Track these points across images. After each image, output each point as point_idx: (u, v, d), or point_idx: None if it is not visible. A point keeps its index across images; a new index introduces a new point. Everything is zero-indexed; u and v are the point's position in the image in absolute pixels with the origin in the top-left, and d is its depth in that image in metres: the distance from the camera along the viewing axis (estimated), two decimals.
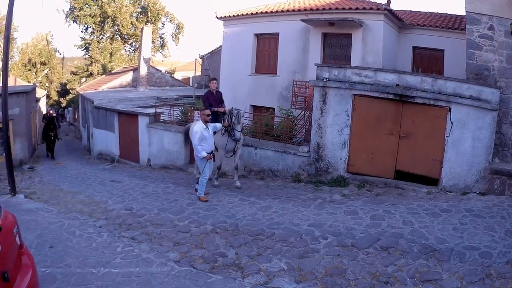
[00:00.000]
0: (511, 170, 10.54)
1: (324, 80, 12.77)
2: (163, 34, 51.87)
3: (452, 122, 10.87)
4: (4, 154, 13.53)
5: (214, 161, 11.42)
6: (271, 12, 20.32)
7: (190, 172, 15.74)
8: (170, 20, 50.61)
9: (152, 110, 19.39)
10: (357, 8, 17.63)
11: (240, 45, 21.59)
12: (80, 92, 33.35)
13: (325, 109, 12.76)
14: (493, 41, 11.93)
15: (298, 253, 7.22)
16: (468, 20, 12.34)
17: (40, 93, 39.15)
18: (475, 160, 10.72)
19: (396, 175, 11.95)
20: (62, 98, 56.04)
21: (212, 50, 33.99)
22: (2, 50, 13.55)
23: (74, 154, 26.98)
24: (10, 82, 26.86)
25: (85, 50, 49.32)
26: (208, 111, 11.49)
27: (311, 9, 18.91)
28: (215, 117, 12.51)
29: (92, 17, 45.85)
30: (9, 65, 15.85)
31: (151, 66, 34.35)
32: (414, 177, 11.69)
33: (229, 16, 21.92)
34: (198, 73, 33.16)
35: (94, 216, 10.39)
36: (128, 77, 33.46)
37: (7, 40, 12.82)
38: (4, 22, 19.01)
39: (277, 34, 20.49)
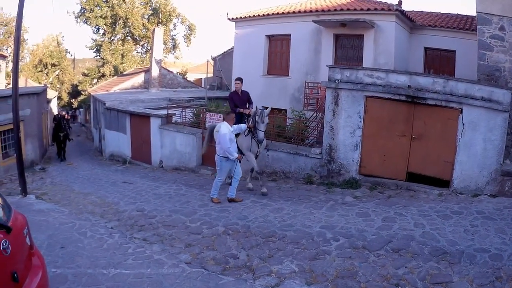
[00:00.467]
0: None
1: (336, 81, 12.78)
2: (174, 35, 52.10)
3: (463, 124, 10.83)
4: (15, 154, 13.69)
5: (240, 162, 11.12)
6: (283, 13, 20.44)
7: (202, 173, 15.83)
8: (182, 22, 50.72)
9: (164, 112, 19.49)
10: (368, 9, 17.67)
11: (252, 46, 21.70)
12: (92, 94, 33.52)
13: (337, 111, 12.77)
14: (504, 41, 11.93)
15: (310, 255, 7.22)
16: (479, 21, 12.33)
17: (52, 94, 39.45)
18: (486, 162, 10.66)
19: (407, 177, 11.93)
20: (74, 99, 56.36)
21: (224, 52, 34.11)
22: (13, 51, 13.67)
23: (85, 155, 27.12)
24: (21, 83, 27.21)
25: (96, 52, 49.58)
26: (233, 116, 11.34)
27: (323, 10, 18.97)
28: (240, 118, 12.36)
29: (103, 18, 46.09)
30: (19, 66, 16.01)
31: (163, 67, 34.45)
32: (425, 178, 11.66)
33: (241, 17, 22.04)
34: (210, 75, 33.24)
35: (106, 217, 10.46)
36: (140, 79, 33.64)
37: (18, 41, 12.91)
38: (14, 24, 19.19)
39: (289, 35, 20.59)
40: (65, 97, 57.64)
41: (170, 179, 15.27)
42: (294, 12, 20.03)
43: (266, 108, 11.99)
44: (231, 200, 10.99)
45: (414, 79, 11.73)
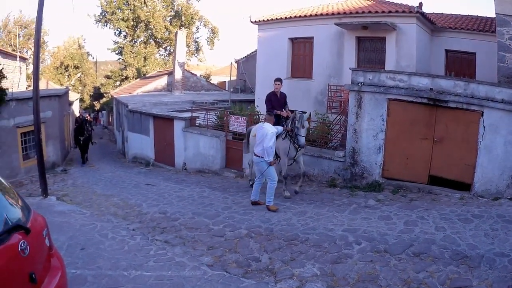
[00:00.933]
0: None
1: (359, 84, 12.82)
2: (197, 38, 52.31)
3: (484, 127, 10.79)
4: (36, 156, 13.95)
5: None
6: (305, 16, 20.55)
7: (226, 176, 15.98)
8: (205, 25, 50.95)
9: (187, 114, 19.73)
10: (389, 11, 17.70)
11: (275, 49, 21.85)
12: (115, 96, 33.90)
13: (360, 114, 12.84)
14: None
15: (332, 259, 7.27)
16: (498, 22, 12.28)
17: (74, 96, 39.88)
18: (507, 165, 10.59)
19: (429, 180, 11.93)
20: (96, 102, 57.01)
21: (248, 55, 34.24)
22: (33, 54, 13.98)
23: (108, 157, 27.38)
24: (42, 86, 27.52)
25: (118, 54, 50.05)
26: (273, 119, 11.04)
27: (344, 13, 19.05)
28: (277, 121, 11.95)
29: (125, 21, 46.46)
30: (40, 69, 16.31)
31: (186, 70, 34.66)
32: (447, 182, 11.65)
33: (264, 20, 22.20)
34: (234, 78, 33.39)
35: (128, 219, 10.60)
36: (163, 81, 33.92)
37: (37, 44, 13.20)
38: (34, 26, 19.59)
39: (312, 38, 20.72)
40: (87, 100, 58.37)
41: (193, 181, 15.44)
42: (316, 15, 20.11)
43: (305, 112, 11.80)
44: (254, 203, 10.96)
45: (436, 81, 11.72)
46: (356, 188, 12.60)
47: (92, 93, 58.77)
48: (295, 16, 20.91)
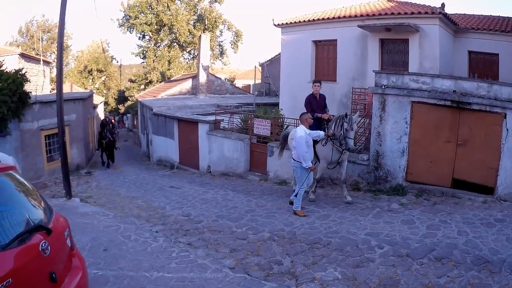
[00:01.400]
0: None
1: (383, 87, 12.79)
2: (221, 41, 52.59)
3: (507, 129, 10.69)
4: (60, 158, 14.22)
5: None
6: (328, 18, 20.50)
7: (250, 179, 16.06)
8: (228, 28, 51.17)
9: (212, 118, 19.79)
10: (412, 13, 17.60)
11: (298, 52, 21.82)
12: (139, 99, 34.29)
13: (384, 117, 12.80)
14: None
15: (354, 263, 7.30)
16: None
17: (98, 99, 40.43)
18: None
19: (453, 184, 11.85)
20: (121, 105, 57.59)
21: (272, 58, 34.27)
22: (56, 58, 14.28)
23: (133, 160, 27.73)
24: (66, 89, 28.01)
25: (143, 58, 50.49)
26: (309, 116, 10.62)
27: (367, 15, 18.96)
28: (318, 125, 11.74)
29: (149, 25, 46.88)
30: (64, 72, 16.61)
31: (211, 73, 34.91)
32: (470, 185, 11.56)
33: (287, 23, 22.18)
34: (258, 81, 33.47)
35: (151, 221, 10.73)
36: (187, 85, 34.19)
37: (61, 48, 13.52)
38: (56, 30, 19.98)
39: (335, 40, 20.61)
40: (112, 103, 59.01)
41: (217, 184, 15.55)
42: (339, 17, 20.04)
43: (351, 115, 11.26)
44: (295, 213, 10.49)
45: (459, 83, 11.65)
46: (380, 191, 12.56)
47: (116, 97, 59.43)
48: (318, 19, 20.89)
